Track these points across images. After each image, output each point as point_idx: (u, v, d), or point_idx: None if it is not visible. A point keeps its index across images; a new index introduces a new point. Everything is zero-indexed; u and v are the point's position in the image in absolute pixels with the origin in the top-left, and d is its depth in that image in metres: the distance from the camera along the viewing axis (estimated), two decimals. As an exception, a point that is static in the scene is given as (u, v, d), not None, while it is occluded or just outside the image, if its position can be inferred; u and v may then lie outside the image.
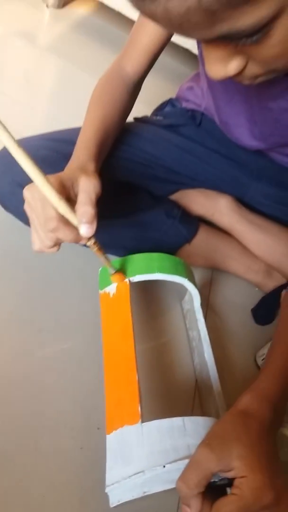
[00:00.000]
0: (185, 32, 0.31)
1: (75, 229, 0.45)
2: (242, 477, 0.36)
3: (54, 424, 0.55)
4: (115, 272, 0.54)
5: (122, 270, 0.57)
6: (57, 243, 0.48)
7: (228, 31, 0.29)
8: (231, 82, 0.56)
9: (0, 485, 0.48)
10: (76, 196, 0.46)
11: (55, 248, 0.49)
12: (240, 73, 0.37)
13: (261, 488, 0.35)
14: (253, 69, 0.36)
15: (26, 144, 0.62)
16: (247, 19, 0.28)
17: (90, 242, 0.48)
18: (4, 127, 0.37)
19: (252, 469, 0.36)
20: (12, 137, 0.37)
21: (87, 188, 0.46)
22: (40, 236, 0.47)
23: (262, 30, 0.30)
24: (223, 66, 0.36)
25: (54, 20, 1.42)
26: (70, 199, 0.46)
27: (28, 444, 0.52)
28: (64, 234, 0.45)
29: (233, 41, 0.32)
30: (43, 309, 0.65)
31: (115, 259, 0.59)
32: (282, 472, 0.39)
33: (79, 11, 1.51)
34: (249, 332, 0.74)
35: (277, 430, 0.42)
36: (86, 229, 0.45)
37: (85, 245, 0.49)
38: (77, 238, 0.46)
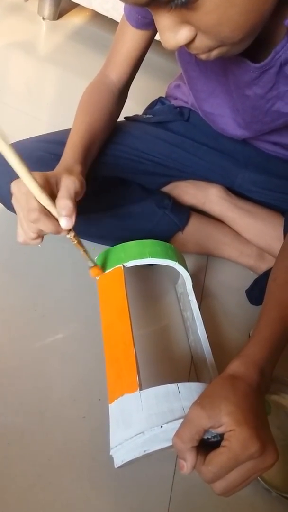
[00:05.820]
0: None
1: (55, 221, 0.47)
2: (230, 430, 0.38)
3: (58, 397, 0.58)
4: (94, 266, 0.57)
5: (116, 257, 0.59)
6: (40, 235, 0.49)
7: None
8: (211, 74, 0.60)
9: (10, 452, 0.52)
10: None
11: (38, 240, 0.50)
12: (192, 44, 0.40)
13: (247, 439, 0.37)
14: (203, 40, 0.40)
15: (21, 146, 0.66)
16: None
17: (70, 235, 0.49)
18: None
19: (239, 423, 0.38)
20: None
21: (68, 184, 0.47)
22: (24, 228, 0.49)
23: None
24: (173, 35, 0.39)
25: (51, 31, 1.46)
26: (54, 196, 0.47)
27: (34, 415, 0.55)
28: (45, 225, 0.46)
29: (167, 5, 0.36)
30: (46, 296, 0.68)
31: (109, 248, 0.62)
32: (267, 426, 0.41)
33: (73, 21, 1.55)
34: (244, 312, 0.76)
35: (265, 391, 0.45)
36: (65, 222, 0.46)
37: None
38: (58, 230, 0.47)
